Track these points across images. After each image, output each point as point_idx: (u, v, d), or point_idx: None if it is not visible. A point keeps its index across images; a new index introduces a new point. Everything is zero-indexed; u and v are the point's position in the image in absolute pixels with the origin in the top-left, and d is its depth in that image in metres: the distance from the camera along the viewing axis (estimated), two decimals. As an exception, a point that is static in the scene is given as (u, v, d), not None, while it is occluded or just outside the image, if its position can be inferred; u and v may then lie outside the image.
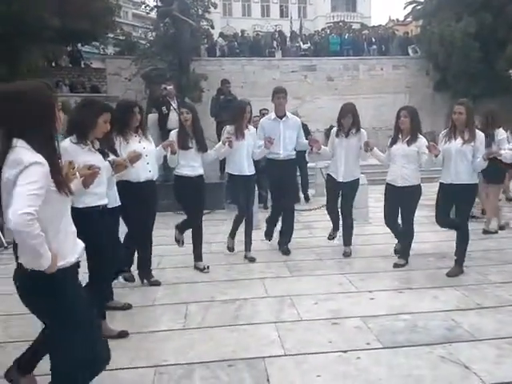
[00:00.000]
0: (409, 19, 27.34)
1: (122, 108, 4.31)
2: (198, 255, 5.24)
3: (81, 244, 2.30)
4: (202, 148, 5.00)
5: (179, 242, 5.39)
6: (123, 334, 3.53)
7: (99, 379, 2.91)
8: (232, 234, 5.72)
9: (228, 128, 5.38)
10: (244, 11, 48.93)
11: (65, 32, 13.54)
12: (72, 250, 2.19)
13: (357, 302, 4.15)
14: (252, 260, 5.52)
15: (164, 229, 6.00)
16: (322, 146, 5.59)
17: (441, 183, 4.91)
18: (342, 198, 5.64)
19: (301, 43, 22.25)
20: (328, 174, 5.74)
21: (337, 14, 46.87)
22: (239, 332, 3.60)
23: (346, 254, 5.60)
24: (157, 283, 4.71)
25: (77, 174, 2.38)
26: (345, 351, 3.26)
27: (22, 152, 1.97)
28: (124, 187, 4.09)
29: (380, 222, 7.18)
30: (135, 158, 3.87)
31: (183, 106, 5.25)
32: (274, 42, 22.30)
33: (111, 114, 3.39)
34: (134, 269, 4.81)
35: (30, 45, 12.70)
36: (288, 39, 23.54)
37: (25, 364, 2.75)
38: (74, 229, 2.25)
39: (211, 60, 19.46)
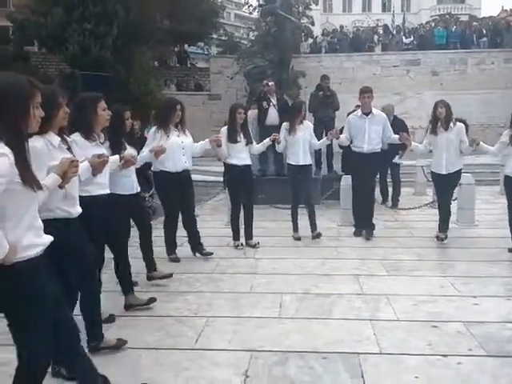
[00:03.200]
0: (527, 8, 25.05)
1: (165, 105, 4.95)
2: (249, 234, 5.87)
3: (47, 238, 2.22)
4: (249, 141, 5.69)
5: (237, 246, 5.81)
6: (151, 301, 3.84)
7: (198, 357, 3.12)
8: (294, 227, 6.19)
9: (283, 125, 6.17)
10: (344, 7, 48.16)
11: (173, 33, 14.36)
12: (34, 243, 2.12)
13: (459, 307, 3.94)
14: (318, 236, 6.01)
15: (260, 221, 6.17)
16: (413, 143, 5.93)
17: None
18: (444, 190, 5.84)
19: (403, 37, 21.39)
20: (432, 172, 5.92)
21: (443, 7, 44.35)
22: (333, 326, 3.60)
23: (440, 239, 5.76)
24: (209, 254, 5.33)
25: (79, 171, 2.44)
26: (445, 355, 3.12)
27: None
28: (162, 176, 4.86)
29: (488, 225, 6.76)
30: (159, 152, 4.50)
31: (242, 106, 5.87)
32: (375, 37, 21.63)
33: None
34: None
35: (143, 46, 13.67)
36: (395, 33, 22.68)
37: None
38: (39, 224, 2.19)
39: (310, 57, 19.44)
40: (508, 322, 3.61)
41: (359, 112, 6.13)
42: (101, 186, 3.48)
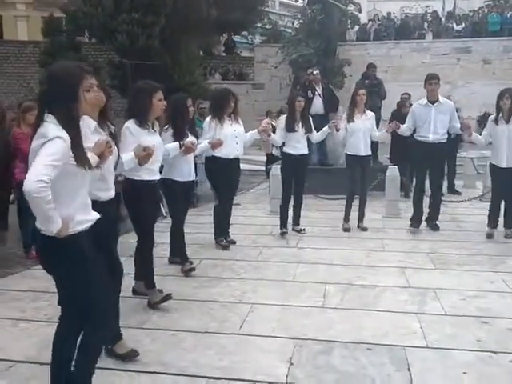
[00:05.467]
0: None
1: (219, 96, 5.14)
2: (296, 220, 6.02)
3: (94, 215, 2.42)
4: (308, 130, 5.73)
5: (282, 233, 5.80)
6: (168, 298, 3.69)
7: (243, 342, 3.16)
8: (346, 217, 6.05)
9: (344, 114, 6.15)
10: (392, -7, 46.72)
11: (219, 23, 14.38)
12: (84, 219, 2.32)
13: (510, 303, 3.80)
14: (364, 229, 6.05)
15: (304, 210, 6.14)
16: (474, 133, 5.68)
17: None
18: (504, 184, 5.59)
19: (454, 24, 20.56)
20: (491, 164, 5.72)
21: (499, -9, 42.20)
22: (378, 318, 3.55)
23: (508, 236, 5.61)
24: (232, 242, 5.42)
25: (113, 151, 2.63)
26: (495, 352, 3.03)
27: (49, 126, 2.14)
28: (216, 162, 4.98)
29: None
30: (217, 144, 4.69)
31: (301, 95, 5.93)
32: (425, 24, 20.89)
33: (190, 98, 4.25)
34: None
35: (189, 35, 13.80)
36: (443, 20, 21.82)
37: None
38: (89, 201, 2.41)
39: (356, 44, 19.03)
40: None
41: (424, 100, 5.85)
42: (152, 172, 3.61)
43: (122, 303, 3.08)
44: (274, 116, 9.84)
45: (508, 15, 19.92)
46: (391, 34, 20.14)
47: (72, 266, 2.24)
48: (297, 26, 18.11)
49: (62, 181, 2.16)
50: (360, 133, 5.89)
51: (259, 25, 22.44)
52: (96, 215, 2.43)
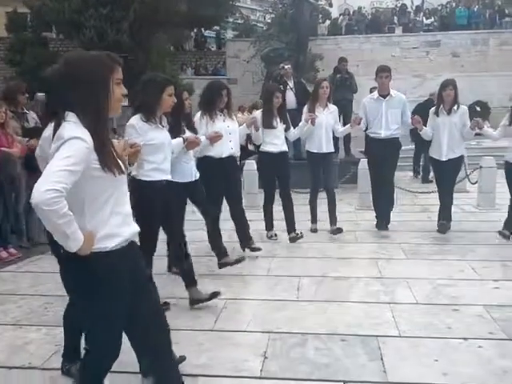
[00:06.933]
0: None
1: (211, 89, 4.61)
2: (291, 225, 5.47)
3: (134, 227, 2.01)
4: (288, 127, 5.41)
5: (271, 237, 5.53)
6: (215, 295, 3.60)
7: (217, 338, 3.15)
8: (312, 218, 5.81)
9: (305, 108, 5.66)
10: (363, -12, 47.17)
11: (190, 17, 14.17)
12: (117, 232, 1.90)
13: (480, 291, 3.90)
14: (339, 232, 5.55)
15: (278, 204, 6.13)
16: (424, 127, 5.49)
17: None
18: (444, 177, 5.48)
19: (423, 18, 20.92)
20: (431, 158, 5.64)
21: (465, -15, 43.06)
22: (352, 309, 3.60)
23: (441, 230, 5.47)
24: (258, 249, 4.92)
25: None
26: (465, 338, 3.10)
27: (67, 127, 1.81)
28: (208, 162, 4.51)
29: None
30: (216, 138, 4.29)
31: (279, 89, 5.55)
32: (395, 18, 21.20)
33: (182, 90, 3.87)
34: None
35: (159, 30, 13.59)
36: (412, 14, 22.17)
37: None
38: (126, 210, 1.97)
39: (328, 39, 19.15)
40: (530, 306, 3.56)
41: (375, 94, 5.62)
42: (163, 171, 3.42)
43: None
44: (247, 111, 9.83)
45: (475, 9, 20.37)
46: (362, 29, 20.35)
47: (90, 293, 1.87)
48: (268, 21, 18.15)
49: (83, 187, 1.81)
50: (322, 128, 5.52)
51: (231, 19, 22.31)
52: (136, 228, 2.02)
